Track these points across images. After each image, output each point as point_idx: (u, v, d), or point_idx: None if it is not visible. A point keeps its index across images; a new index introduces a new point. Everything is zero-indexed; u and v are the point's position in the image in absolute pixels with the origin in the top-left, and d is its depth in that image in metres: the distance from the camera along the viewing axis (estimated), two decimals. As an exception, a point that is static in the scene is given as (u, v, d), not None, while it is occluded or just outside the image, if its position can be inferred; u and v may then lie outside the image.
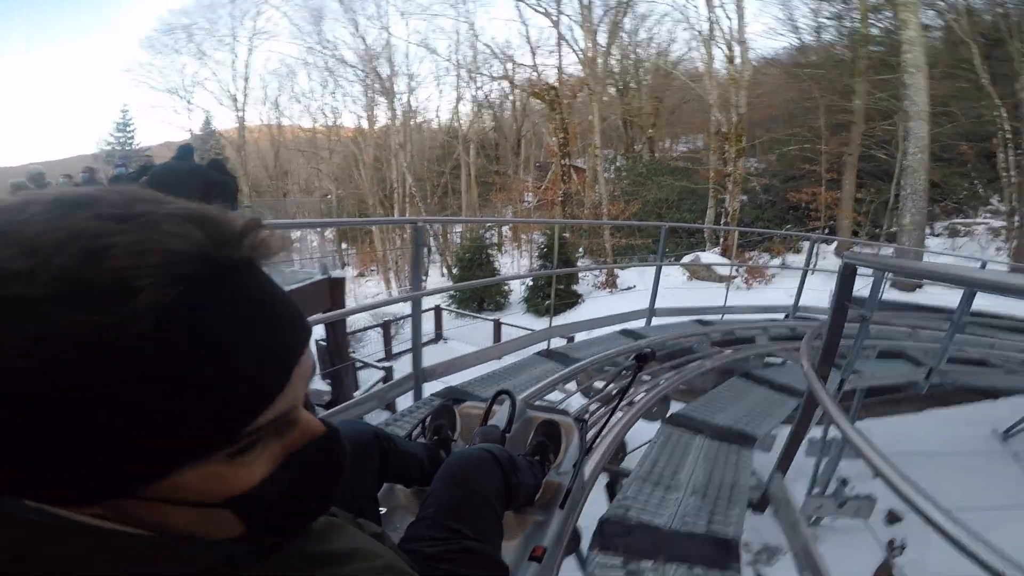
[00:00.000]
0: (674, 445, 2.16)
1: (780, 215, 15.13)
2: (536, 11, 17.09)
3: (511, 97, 22.11)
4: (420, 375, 2.51)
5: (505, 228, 19.44)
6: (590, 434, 1.54)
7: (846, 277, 1.36)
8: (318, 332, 5.82)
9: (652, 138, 20.13)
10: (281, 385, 0.32)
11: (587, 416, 2.21)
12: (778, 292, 9.75)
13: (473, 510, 0.86)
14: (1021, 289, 1.10)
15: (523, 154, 22.35)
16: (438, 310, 10.49)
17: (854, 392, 3.45)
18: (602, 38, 17.67)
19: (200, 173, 3.77)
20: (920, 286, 8.55)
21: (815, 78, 14.55)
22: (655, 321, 4.65)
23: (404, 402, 2.64)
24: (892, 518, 3.59)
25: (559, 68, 17.85)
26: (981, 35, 11.79)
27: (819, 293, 7.00)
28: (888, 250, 10.20)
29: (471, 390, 2.37)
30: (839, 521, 3.25)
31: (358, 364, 7.13)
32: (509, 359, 3.16)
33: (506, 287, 13.49)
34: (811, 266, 5.62)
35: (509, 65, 19.13)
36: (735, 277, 11.15)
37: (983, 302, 3.78)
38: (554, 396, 2.76)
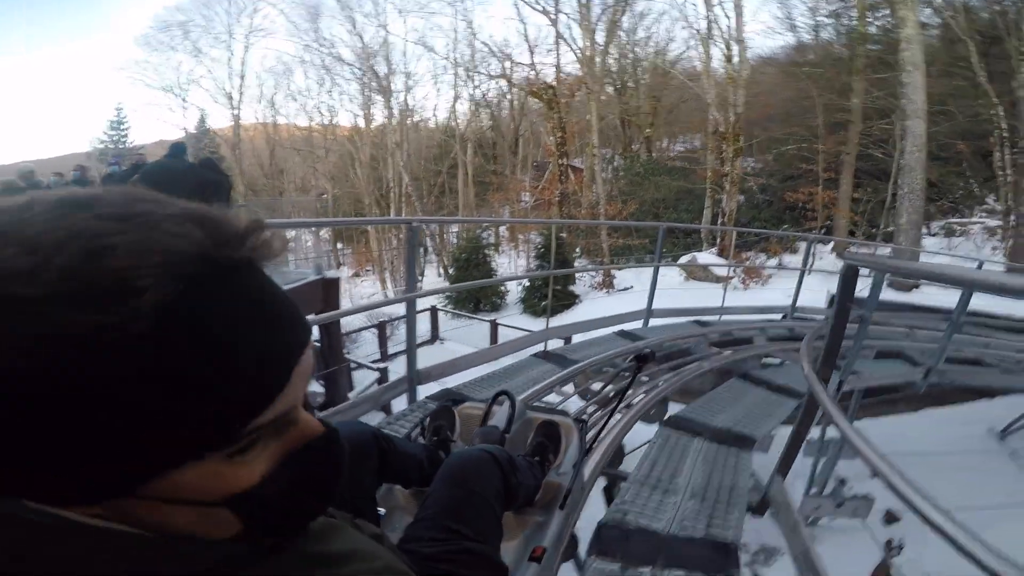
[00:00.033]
0: (672, 448, 2.13)
1: (777, 215, 15.14)
2: (534, 9, 17.08)
3: (509, 96, 22.12)
4: (415, 377, 2.48)
5: (502, 228, 19.41)
6: (590, 435, 1.53)
7: (848, 278, 1.33)
8: (312, 332, 5.75)
9: (650, 137, 20.14)
10: (281, 385, 0.32)
11: (586, 417, 2.19)
12: (775, 292, 9.77)
13: (472, 511, 0.86)
14: (1023, 290, 1.08)
15: (520, 153, 22.33)
16: (434, 311, 10.45)
17: (852, 392, 3.44)
18: (600, 37, 17.68)
19: (192, 172, 3.72)
20: (916, 286, 8.56)
21: (813, 77, 14.56)
22: (653, 322, 4.62)
23: (399, 404, 2.60)
24: (890, 518, 3.58)
25: (557, 67, 17.84)
26: (978, 33, 11.81)
27: (816, 293, 7.00)
28: (885, 250, 10.22)
29: (467, 392, 2.34)
30: (837, 521, 3.25)
31: (353, 365, 7.08)
32: (506, 361, 3.13)
33: (503, 287, 13.45)
34: (808, 266, 5.61)
35: (507, 64, 19.10)
36: (732, 277, 11.15)
37: (979, 302, 3.78)
38: (551, 398, 2.73)
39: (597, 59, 17.43)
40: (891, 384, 3.77)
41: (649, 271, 4.64)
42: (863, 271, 1.51)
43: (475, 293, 12.89)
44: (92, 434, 0.26)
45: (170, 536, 0.31)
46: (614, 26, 18.02)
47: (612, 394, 3.27)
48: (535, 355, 3.16)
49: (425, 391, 2.46)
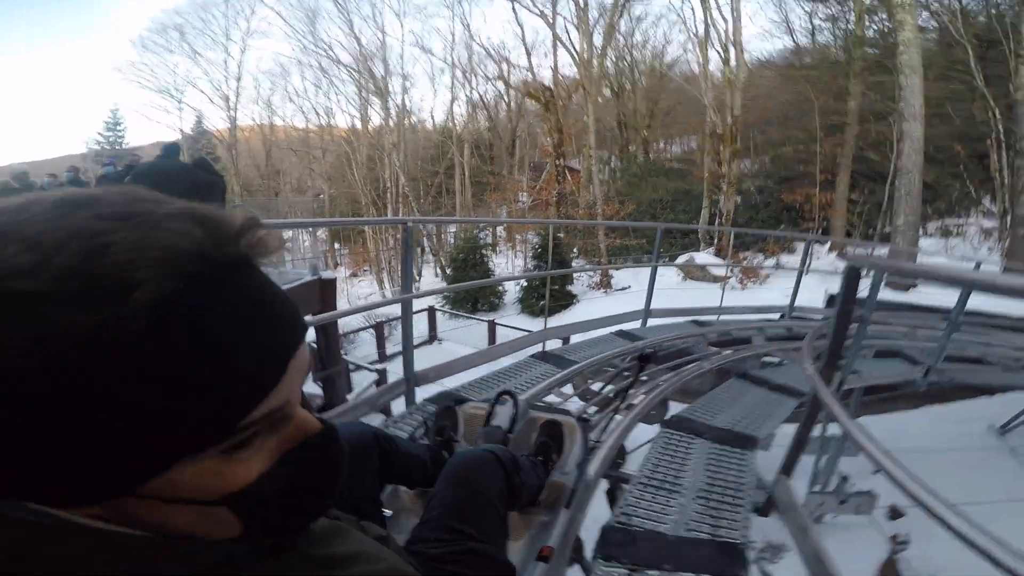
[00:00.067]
0: (674, 448, 2.10)
1: (774, 216, 15.18)
2: (532, 12, 17.11)
3: (506, 98, 22.12)
4: (412, 379, 2.44)
5: (500, 228, 19.39)
6: (592, 434, 1.50)
7: (851, 279, 1.31)
8: (309, 334, 5.72)
9: (647, 139, 20.17)
10: (277, 377, 0.32)
11: (588, 416, 2.17)
12: (773, 292, 9.79)
13: (476, 511, 0.86)
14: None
15: (518, 154, 22.33)
16: (432, 311, 10.42)
17: (852, 391, 3.42)
18: (597, 40, 17.71)
19: (186, 172, 3.68)
20: (914, 285, 8.58)
21: (810, 80, 14.62)
22: (651, 322, 4.60)
23: (398, 406, 2.57)
24: (894, 514, 3.57)
25: (554, 69, 17.86)
26: (975, 37, 11.88)
27: (814, 293, 7.01)
28: (882, 250, 10.25)
29: (465, 394, 2.30)
30: (840, 518, 3.24)
31: (351, 366, 7.04)
32: (503, 361, 3.09)
33: (500, 287, 13.43)
34: (806, 266, 5.61)
35: (504, 66, 19.12)
36: (730, 277, 11.16)
37: (977, 301, 3.79)
38: (550, 399, 2.70)
39: (594, 62, 17.46)
40: (891, 382, 3.76)
41: (646, 271, 4.62)
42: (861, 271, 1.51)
43: (473, 293, 12.87)
44: (91, 432, 0.26)
45: (170, 536, 0.31)
46: (611, 29, 18.07)
47: (612, 394, 3.24)
48: (533, 356, 3.12)
49: (423, 393, 2.42)
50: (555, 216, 16.00)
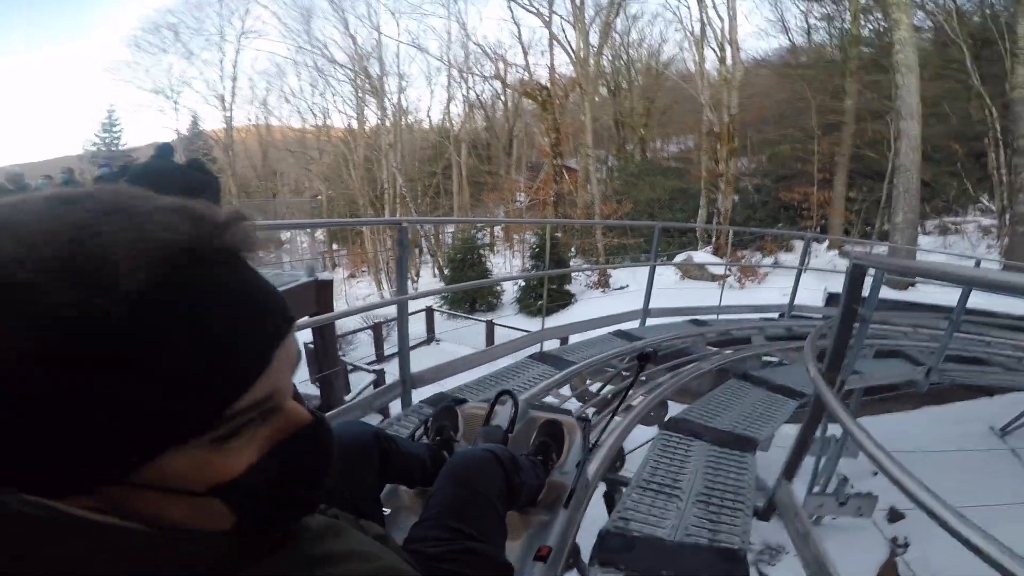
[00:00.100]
0: (673, 451, 2.07)
1: (772, 214, 15.17)
2: (528, 11, 17.10)
3: (503, 97, 22.08)
4: (408, 381, 2.40)
5: (497, 228, 19.36)
6: (593, 434, 1.51)
7: (855, 279, 1.27)
8: (306, 335, 5.70)
9: (644, 138, 20.16)
10: (261, 367, 0.32)
11: (588, 415, 2.14)
12: (771, 291, 9.76)
13: (476, 510, 0.86)
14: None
15: (515, 154, 22.30)
16: (430, 311, 10.38)
17: (852, 391, 3.40)
18: (594, 38, 17.69)
19: (180, 172, 3.64)
20: (913, 284, 8.57)
21: (806, 78, 14.62)
22: (649, 321, 4.58)
23: (396, 408, 2.53)
24: (894, 516, 3.55)
25: (551, 68, 17.82)
26: (970, 36, 11.89)
27: (812, 292, 6.99)
28: (881, 248, 10.24)
29: (462, 396, 2.27)
30: (839, 519, 3.21)
31: (349, 367, 7.01)
32: (501, 363, 3.06)
33: (499, 287, 13.40)
34: (805, 265, 5.59)
35: (501, 65, 19.09)
36: (728, 276, 11.14)
37: (977, 299, 3.77)
38: (547, 401, 2.67)
39: (591, 60, 17.44)
40: (892, 383, 3.74)
41: (644, 270, 4.59)
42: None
43: (471, 293, 12.83)
44: (79, 418, 0.27)
45: (169, 534, 0.31)
46: (608, 28, 18.06)
47: (610, 396, 3.22)
48: (531, 356, 3.09)
49: (420, 395, 2.39)
50: (552, 216, 15.97)
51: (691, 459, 2.02)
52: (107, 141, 23.96)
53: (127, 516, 0.31)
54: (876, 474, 3.78)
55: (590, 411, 2.70)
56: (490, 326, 9.33)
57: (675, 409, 2.79)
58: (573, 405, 2.95)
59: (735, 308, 5.69)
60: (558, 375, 2.75)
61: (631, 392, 2.50)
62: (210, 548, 0.33)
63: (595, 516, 1.66)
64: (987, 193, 12.94)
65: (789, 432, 2.65)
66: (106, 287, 0.27)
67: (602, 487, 2.06)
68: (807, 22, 16.47)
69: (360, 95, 20.96)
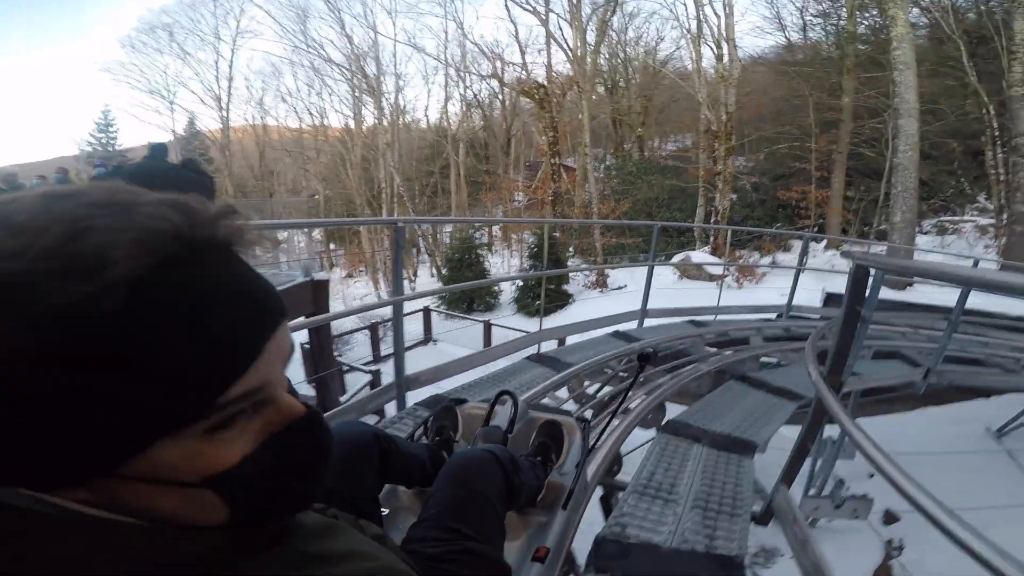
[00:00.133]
0: (671, 455, 2.05)
1: (770, 213, 15.17)
2: (524, 9, 17.04)
3: (500, 96, 22.04)
4: (403, 383, 2.38)
5: (495, 227, 19.32)
6: (592, 435, 1.50)
7: (858, 281, 1.25)
8: (302, 336, 5.67)
9: (641, 137, 20.13)
10: (252, 357, 0.33)
11: (588, 416, 2.13)
12: (769, 291, 9.75)
13: (475, 510, 0.86)
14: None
15: (513, 153, 22.26)
16: (427, 311, 10.35)
17: (849, 393, 3.39)
18: (591, 36, 17.65)
19: (174, 172, 3.62)
20: (911, 284, 8.57)
21: (803, 76, 14.61)
22: (647, 322, 4.56)
23: (390, 410, 2.51)
24: (889, 518, 3.54)
25: (548, 66, 17.80)
26: (965, 33, 11.87)
27: (810, 292, 6.97)
28: (879, 248, 10.23)
29: (462, 396, 2.25)
30: (834, 522, 3.20)
31: (345, 368, 6.98)
32: (498, 364, 3.03)
33: (496, 287, 13.37)
34: (803, 265, 5.58)
35: (498, 64, 19.04)
36: (726, 276, 11.13)
37: (974, 300, 3.76)
38: (544, 403, 2.65)
39: (588, 59, 17.40)
40: (890, 384, 3.73)
41: (642, 269, 4.57)
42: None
43: (469, 293, 12.80)
44: (72, 407, 0.27)
45: (166, 531, 0.31)
46: (604, 26, 18.02)
47: (608, 397, 3.20)
48: (528, 358, 3.07)
49: (416, 396, 2.36)
50: (551, 215, 15.94)
51: (689, 463, 2.00)
52: (103, 142, 23.85)
53: (120, 509, 0.31)
54: (872, 476, 3.79)
55: (588, 413, 2.68)
56: (488, 326, 9.30)
57: (673, 411, 2.77)
58: (571, 407, 2.93)
59: (733, 308, 5.67)
60: (556, 377, 2.73)
61: (631, 393, 2.49)
62: (206, 544, 0.33)
63: (591, 520, 1.64)
64: (984, 192, 12.95)
65: (785, 433, 2.64)
66: (99, 276, 0.27)
67: (599, 491, 2.04)
68: (803, 19, 16.49)
69: (357, 95, 20.93)
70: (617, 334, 3.87)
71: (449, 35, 20.39)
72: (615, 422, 2.14)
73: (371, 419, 2.90)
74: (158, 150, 3.81)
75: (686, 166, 17.01)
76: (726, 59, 14.42)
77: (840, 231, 13.83)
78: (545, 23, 16.99)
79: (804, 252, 5.71)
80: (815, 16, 15.92)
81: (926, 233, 12.91)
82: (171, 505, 0.32)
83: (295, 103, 27.39)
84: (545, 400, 2.59)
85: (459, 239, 14.97)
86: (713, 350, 4.04)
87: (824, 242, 12.94)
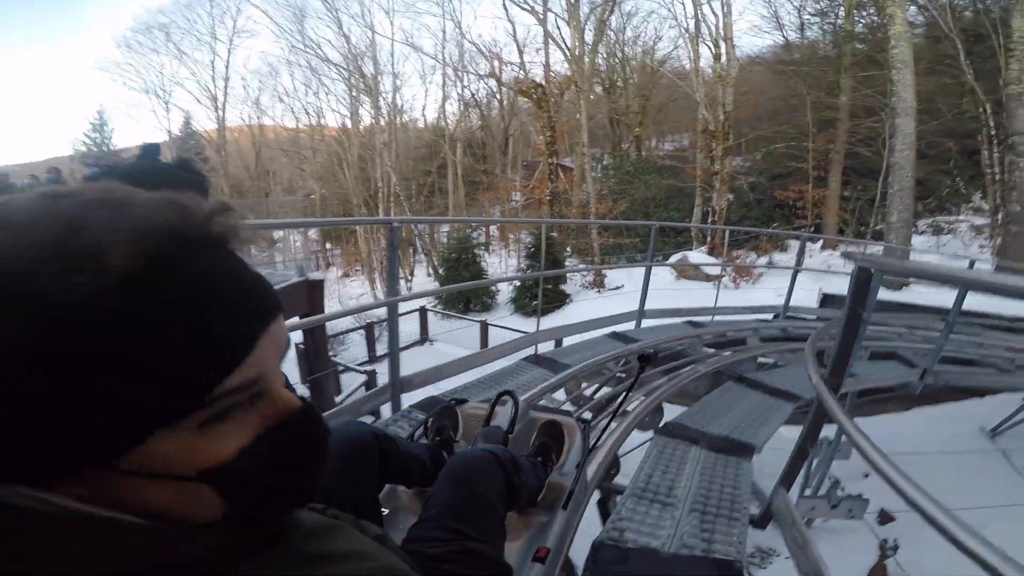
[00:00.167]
0: (669, 457, 2.04)
1: (767, 213, 15.19)
2: (523, 8, 17.01)
3: (498, 96, 22.00)
4: (398, 385, 2.35)
5: (493, 227, 19.29)
6: (592, 435, 1.50)
7: (861, 283, 1.23)
8: (296, 336, 5.63)
9: (639, 136, 20.14)
10: (245, 350, 0.33)
11: (588, 416, 2.12)
12: (766, 291, 9.76)
13: (475, 511, 0.86)
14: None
15: (511, 153, 22.24)
16: (423, 311, 10.32)
17: (846, 394, 3.38)
18: (589, 36, 17.64)
19: (167, 172, 3.56)
20: (907, 284, 8.59)
21: (801, 75, 14.63)
22: (645, 323, 4.55)
23: (385, 412, 2.48)
24: (884, 518, 3.55)
25: (546, 66, 17.79)
26: (963, 31, 11.89)
27: (807, 292, 6.98)
28: (876, 248, 10.26)
29: (462, 396, 2.23)
30: (829, 521, 3.20)
31: (340, 368, 6.95)
32: (494, 365, 3.01)
33: (493, 287, 13.34)
34: (800, 265, 5.58)
35: (496, 63, 19.01)
36: (723, 276, 11.14)
37: (969, 300, 3.77)
38: (544, 403, 2.63)
39: (586, 58, 17.39)
40: (887, 385, 3.73)
41: (639, 269, 4.56)
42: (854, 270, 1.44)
43: (465, 293, 12.77)
44: (69, 399, 0.27)
45: (165, 530, 0.31)
46: (602, 25, 18.01)
47: (606, 399, 3.18)
48: (525, 359, 3.05)
49: (412, 398, 2.34)
50: (548, 215, 15.93)
51: (687, 466, 1.99)
52: (97, 142, 23.70)
53: (117, 505, 0.31)
54: (867, 476, 3.79)
55: (587, 415, 2.66)
56: (484, 327, 9.28)
57: (670, 411, 2.76)
58: (568, 409, 2.91)
59: (730, 309, 5.67)
60: (553, 378, 2.71)
61: (629, 395, 2.47)
62: (206, 544, 0.33)
63: (588, 523, 1.63)
64: (979, 191, 12.99)
65: (781, 432, 2.63)
66: (95, 271, 0.28)
67: (596, 495, 2.02)
68: (801, 18, 16.52)
69: (354, 94, 20.87)
70: (615, 335, 3.85)
71: (447, 34, 20.27)
72: (612, 426, 2.12)
73: (366, 421, 2.87)
74: (150, 150, 3.75)
75: (683, 166, 17.03)
76: (724, 58, 14.43)
77: (837, 231, 13.86)
78: (543, 22, 16.98)
79: (801, 253, 5.72)
80: (813, 15, 15.97)
81: (921, 233, 12.94)
82: (166, 499, 0.32)
83: (292, 103, 27.28)
84: (543, 401, 2.57)
85: (456, 239, 14.94)
86: (711, 351, 4.03)
87: (820, 242, 12.97)
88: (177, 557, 0.31)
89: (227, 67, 21.75)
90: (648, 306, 4.57)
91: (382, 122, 20.03)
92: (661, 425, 2.43)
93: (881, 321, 4.84)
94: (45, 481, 0.29)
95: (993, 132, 11.69)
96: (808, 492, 2.42)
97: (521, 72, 18.54)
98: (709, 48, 15.06)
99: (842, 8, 14.13)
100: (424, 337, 10.08)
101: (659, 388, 2.88)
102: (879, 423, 4.81)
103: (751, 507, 1.84)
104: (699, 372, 3.32)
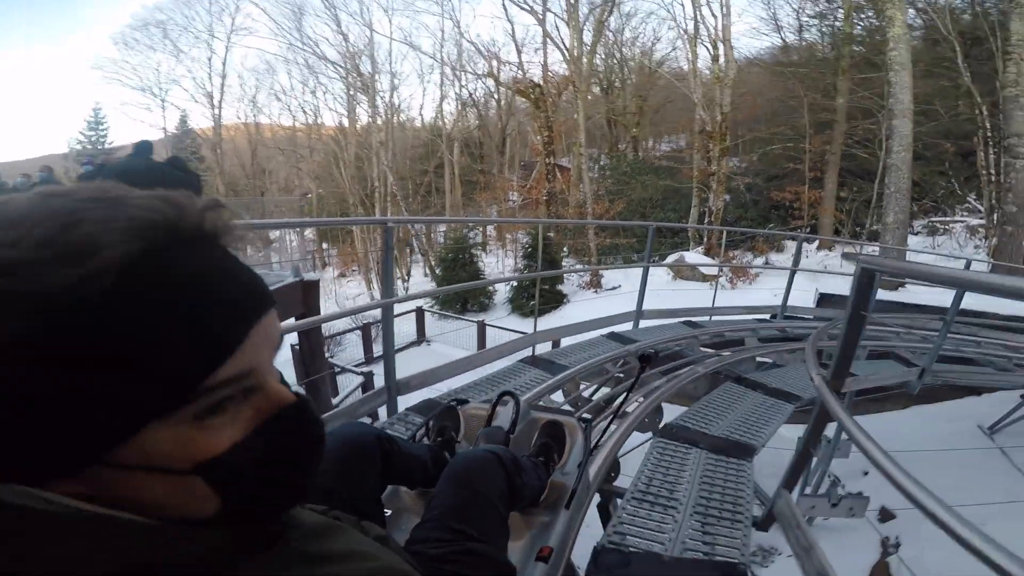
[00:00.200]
0: (669, 459, 2.02)
1: (763, 214, 15.22)
2: (522, 8, 17.00)
3: (496, 95, 21.97)
4: (394, 388, 2.32)
5: (490, 227, 19.26)
6: (593, 435, 1.49)
7: (864, 284, 1.21)
8: (292, 337, 5.59)
9: (636, 137, 20.16)
10: (237, 341, 0.33)
11: (590, 416, 2.10)
12: (762, 292, 9.77)
13: (477, 511, 0.86)
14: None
15: (508, 153, 22.22)
16: (420, 312, 10.28)
17: (845, 394, 3.37)
18: (587, 36, 17.63)
19: (159, 170, 3.53)
20: (903, 284, 8.62)
21: (799, 77, 14.67)
22: (643, 323, 4.53)
23: (382, 415, 2.45)
24: (884, 516, 3.54)
25: (544, 66, 17.77)
26: (960, 34, 11.95)
27: (803, 293, 6.98)
28: (872, 249, 10.29)
29: (463, 397, 2.20)
30: (830, 520, 3.19)
31: (336, 369, 6.91)
32: (491, 367, 2.98)
33: (491, 287, 13.31)
34: (797, 265, 5.58)
35: (494, 63, 18.98)
36: (720, 276, 11.16)
37: (967, 300, 3.77)
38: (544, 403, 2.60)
39: (584, 58, 17.39)
40: (886, 385, 3.72)
41: (636, 269, 4.54)
42: (853, 270, 1.41)
43: (462, 293, 12.73)
44: (62, 387, 0.28)
45: (167, 531, 0.32)
46: (601, 25, 18.01)
47: (605, 401, 3.16)
48: (522, 360, 3.02)
49: (408, 400, 2.31)
50: (545, 215, 15.91)
51: (687, 468, 1.96)
52: (93, 140, 23.55)
53: (114, 501, 0.31)
54: (867, 474, 3.78)
55: (587, 416, 2.64)
56: (482, 327, 9.25)
57: (670, 412, 2.74)
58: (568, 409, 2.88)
59: (727, 309, 5.66)
60: (551, 380, 2.69)
61: (630, 395, 2.45)
62: (206, 544, 0.33)
63: (589, 525, 1.60)
64: (974, 192, 13.06)
65: (782, 432, 2.62)
66: (90, 261, 0.28)
67: (596, 498, 2.00)
68: (799, 20, 16.56)
69: (352, 93, 20.80)
70: (613, 335, 3.83)
71: (445, 33, 20.22)
72: (611, 428, 2.10)
73: (365, 422, 2.83)
74: (142, 148, 3.73)
75: (680, 166, 17.05)
76: (722, 60, 14.45)
77: (833, 232, 13.91)
78: (542, 22, 16.97)
79: (798, 253, 5.71)
80: (811, 17, 16.00)
81: (917, 233, 13.01)
82: (162, 493, 0.32)
83: (289, 101, 27.08)
84: (543, 402, 2.54)
85: (453, 239, 14.90)
86: (709, 351, 4.02)
87: (816, 242, 13.00)
88: (177, 557, 0.32)
89: (224, 65, 21.63)
90: (645, 306, 4.56)
91: (379, 121, 19.98)
92: (661, 426, 2.40)
93: (877, 321, 4.84)
94: (42, 478, 0.30)
95: (989, 134, 11.75)
96: (808, 491, 2.40)
97: (519, 72, 18.53)
98: (707, 49, 15.11)
99: (841, 11, 14.17)
100: (421, 338, 10.05)
101: (658, 389, 2.86)
102: (877, 421, 4.81)
103: (753, 509, 1.83)
104: (698, 373, 3.30)
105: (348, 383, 7.05)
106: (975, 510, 3.04)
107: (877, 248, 9.87)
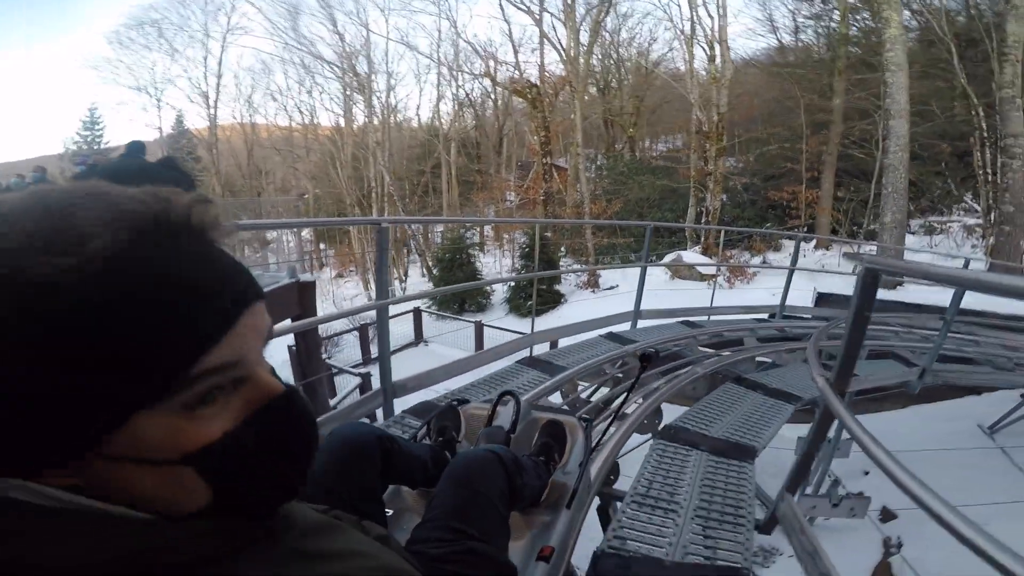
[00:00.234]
0: (669, 462, 1.99)
1: (760, 214, 15.25)
2: (519, 8, 16.99)
3: (493, 95, 21.95)
4: (390, 390, 2.28)
5: (487, 227, 19.23)
6: (594, 434, 1.48)
7: (868, 284, 1.19)
8: (288, 339, 5.55)
9: (633, 137, 20.16)
10: (223, 329, 0.33)
11: (590, 416, 2.08)
12: (760, 291, 9.77)
13: (478, 511, 0.86)
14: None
15: (505, 153, 22.19)
16: (417, 312, 10.24)
17: (846, 394, 3.35)
18: (584, 37, 17.64)
19: (151, 171, 3.50)
20: (901, 283, 8.63)
21: (795, 78, 14.71)
22: (641, 323, 4.51)
23: (379, 417, 2.41)
24: (886, 515, 3.52)
25: (541, 66, 17.75)
26: (956, 35, 12.00)
27: (801, 292, 6.98)
28: (869, 248, 10.32)
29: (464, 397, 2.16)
30: (831, 520, 3.17)
31: (334, 370, 6.87)
32: (489, 368, 2.95)
33: (488, 288, 13.27)
34: (795, 264, 5.57)
35: (491, 63, 18.96)
36: (717, 276, 11.15)
37: (966, 299, 3.76)
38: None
39: (581, 59, 17.38)
40: (886, 385, 3.70)
41: (634, 269, 4.52)
42: (852, 269, 1.39)
43: (460, 294, 12.70)
44: (53, 377, 0.28)
45: (166, 531, 0.32)
46: (598, 26, 18.02)
47: (603, 402, 3.13)
48: (520, 361, 2.99)
49: (405, 402, 2.27)
50: (542, 215, 15.90)
51: (688, 470, 1.94)
52: (89, 140, 23.43)
53: (107, 494, 0.31)
54: (867, 474, 3.76)
55: (592, 412, 2.62)
56: (480, 327, 9.22)
57: (669, 412, 2.71)
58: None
59: (725, 309, 5.64)
60: (549, 381, 2.66)
61: (631, 395, 2.42)
62: (204, 542, 0.33)
63: (588, 527, 1.57)
64: (971, 192, 13.11)
65: (781, 432, 2.59)
66: (78, 250, 0.29)
67: (596, 501, 1.97)
68: (795, 21, 16.61)
69: (348, 93, 20.75)
70: (611, 335, 3.80)
71: (442, 33, 20.19)
72: (610, 430, 2.07)
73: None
74: (134, 149, 3.69)
75: (677, 166, 17.07)
76: (718, 60, 14.47)
77: (830, 231, 13.95)
78: (539, 23, 16.96)
79: (796, 252, 5.70)
80: (807, 18, 16.05)
81: (914, 233, 13.05)
82: (152, 484, 0.32)
83: (285, 101, 26.94)
84: (542, 402, 2.51)
85: (450, 239, 14.86)
86: (708, 351, 3.99)
87: (814, 242, 13.01)
88: (176, 556, 0.32)
89: (220, 64, 21.53)
90: (643, 306, 4.54)
91: (376, 121, 19.93)
92: (661, 428, 2.38)
93: (876, 320, 4.83)
94: (31, 470, 0.30)
95: (986, 134, 11.80)
96: (808, 491, 2.38)
97: (516, 72, 18.50)
98: (704, 50, 15.14)
99: (837, 12, 14.21)
100: (419, 339, 10.00)
101: (658, 390, 2.84)
102: (877, 421, 4.79)
103: (755, 511, 1.80)
104: (697, 373, 3.27)
105: (346, 384, 7.01)
106: (977, 510, 3.02)
107: (875, 247, 9.89)
